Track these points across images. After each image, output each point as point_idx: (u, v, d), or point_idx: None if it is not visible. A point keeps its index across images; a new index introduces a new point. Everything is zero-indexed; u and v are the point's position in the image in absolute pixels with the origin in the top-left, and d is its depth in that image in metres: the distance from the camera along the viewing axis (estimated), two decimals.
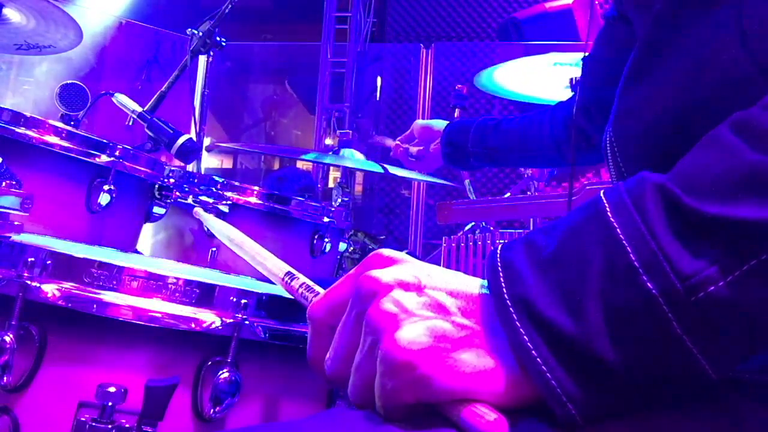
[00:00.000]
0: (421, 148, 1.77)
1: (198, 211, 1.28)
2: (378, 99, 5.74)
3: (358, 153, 2.48)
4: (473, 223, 3.08)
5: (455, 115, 3.16)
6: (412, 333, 0.55)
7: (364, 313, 0.58)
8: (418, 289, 0.58)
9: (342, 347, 0.61)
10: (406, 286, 0.58)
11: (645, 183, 0.54)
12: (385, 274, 0.59)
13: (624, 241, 0.52)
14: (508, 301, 0.55)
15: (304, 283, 0.71)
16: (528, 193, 3.14)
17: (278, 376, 0.97)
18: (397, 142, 1.85)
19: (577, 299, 0.52)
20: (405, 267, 0.60)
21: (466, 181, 3.42)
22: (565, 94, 2.85)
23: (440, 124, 1.73)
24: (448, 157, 1.68)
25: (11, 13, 2.10)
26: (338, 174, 2.80)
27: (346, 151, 2.47)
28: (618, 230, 0.53)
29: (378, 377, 0.56)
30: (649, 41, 0.72)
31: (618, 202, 0.54)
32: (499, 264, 0.57)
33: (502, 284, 0.56)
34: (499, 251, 0.59)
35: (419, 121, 1.81)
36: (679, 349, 0.50)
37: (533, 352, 0.53)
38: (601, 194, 0.56)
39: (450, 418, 0.54)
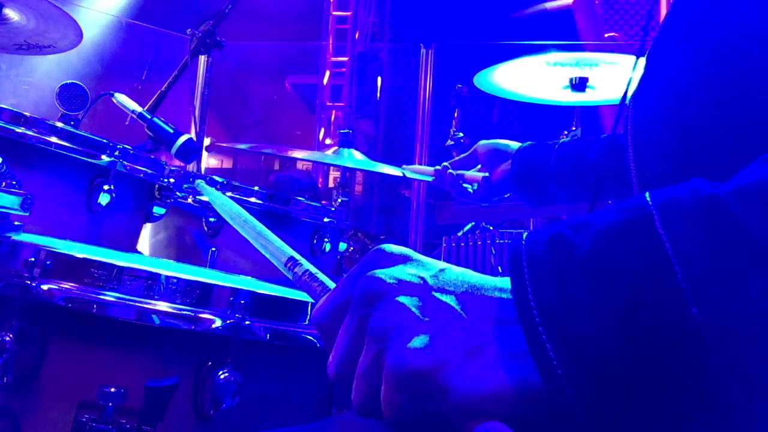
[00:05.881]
0: (486, 174, 1.47)
1: (200, 183, 1.25)
2: (378, 99, 5.74)
3: (358, 153, 2.48)
4: (473, 223, 3.08)
5: (455, 115, 3.16)
6: (420, 343, 0.50)
7: (367, 318, 0.53)
8: (425, 291, 0.53)
9: (345, 351, 0.56)
10: (411, 289, 0.53)
11: (700, 194, 0.48)
12: (388, 275, 0.54)
13: (673, 259, 0.46)
14: (532, 303, 0.49)
15: (307, 270, 0.66)
16: None
17: (278, 376, 0.97)
18: (446, 165, 1.53)
19: (612, 313, 0.47)
20: (410, 266, 0.55)
21: None
22: (565, 94, 2.85)
23: (509, 144, 1.45)
24: (518, 179, 1.38)
25: (11, 13, 2.10)
26: (338, 174, 2.80)
27: (346, 151, 2.47)
28: (667, 245, 0.47)
29: (384, 389, 0.51)
30: (688, 14, 0.67)
31: (668, 212, 0.48)
32: (524, 259, 0.51)
33: (527, 284, 0.50)
34: (524, 244, 0.52)
35: (483, 142, 1.51)
36: (709, 379, 0.46)
37: (555, 363, 0.48)
38: (647, 197, 0.50)
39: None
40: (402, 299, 0.52)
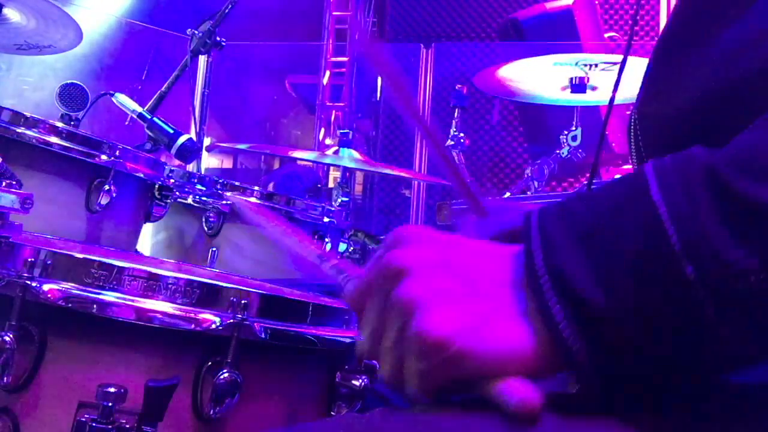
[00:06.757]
0: None
1: (230, 196, 1.29)
2: (378, 99, 5.73)
3: (358, 153, 2.48)
4: None
5: (455, 115, 3.16)
6: (440, 312, 0.54)
7: (391, 294, 0.57)
8: (443, 264, 0.57)
9: (371, 329, 0.59)
10: (431, 263, 0.57)
11: (694, 161, 0.51)
12: (408, 253, 0.57)
13: (666, 223, 0.50)
14: (540, 271, 0.53)
15: (335, 264, 0.71)
16: (528, 193, 3.14)
17: (278, 376, 0.97)
18: None
19: (612, 276, 0.51)
20: (429, 242, 0.59)
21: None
22: (565, 94, 2.85)
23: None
24: None
25: (11, 13, 2.10)
26: (338, 174, 2.80)
27: (345, 151, 2.48)
28: (661, 210, 0.50)
29: (408, 359, 0.55)
30: (692, 14, 0.69)
31: (664, 180, 0.51)
32: (533, 229, 0.55)
33: (535, 252, 0.54)
34: (535, 216, 0.56)
35: None
36: (711, 335, 0.49)
37: (561, 325, 0.52)
38: (647, 168, 0.53)
39: (483, 395, 0.54)
40: (422, 273, 0.56)
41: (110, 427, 0.81)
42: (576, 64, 2.72)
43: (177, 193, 1.74)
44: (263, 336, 0.91)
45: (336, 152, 2.57)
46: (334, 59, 5.83)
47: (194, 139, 2.02)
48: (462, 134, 3.05)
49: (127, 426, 0.82)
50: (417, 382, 0.55)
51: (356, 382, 0.97)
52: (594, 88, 2.79)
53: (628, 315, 0.50)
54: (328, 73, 5.82)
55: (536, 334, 0.54)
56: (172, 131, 1.76)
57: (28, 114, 1.41)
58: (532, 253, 0.54)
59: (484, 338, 0.54)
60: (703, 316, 0.49)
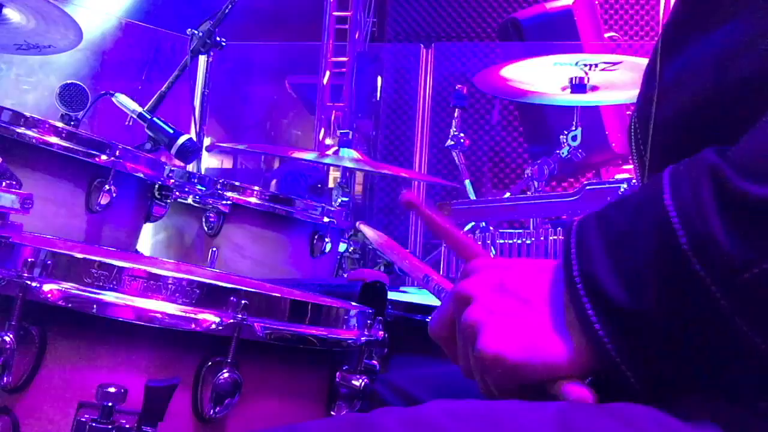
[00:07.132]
0: None
1: (360, 225, 1.40)
2: (378, 99, 5.73)
3: (357, 153, 2.48)
4: (473, 223, 3.08)
5: (455, 115, 3.15)
6: (495, 332, 0.62)
7: (461, 319, 0.66)
8: (500, 288, 0.65)
9: (459, 350, 0.69)
10: (489, 288, 0.65)
11: (703, 164, 0.55)
12: (472, 281, 0.67)
13: (676, 225, 0.54)
14: (576, 279, 0.59)
15: (436, 284, 0.82)
16: (528, 193, 3.14)
17: (278, 376, 0.97)
18: None
19: (636, 278, 0.56)
20: (489, 269, 0.68)
21: (466, 181, 3.41)
22: (565, 93, 2.85)
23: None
24: None
25: (11, 13, 2.10)
26: (338, 174, 2.80)
27: (345, 151, 2.48)
28: (671, 213, 0.55)
29: (481, 374, 0.64)
30: (690, 14, 0.71)
31: (676, 185, 0.56)
32: (572, 241, 0.62)
33: (573, 262, 0.60)
34: (575, 225, 0.63)
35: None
36: (726, 323, 0.53)
37: (596, 325, 0.57)
38: (665, 173, 0.58)
39: (550, 393, 0.62)
40: (482, 299, 0.65)
41: (110, 427, 0.81)
42: (576, 64, 2.72)
43: (177, 193, 1.74)
44: (263, 336, 0.91)
45: (336, 152, 2.58)
46: (334, 59, 5.82)
47: (194, 139, 2.02)
48: (462, 134, 3.05)
49: (127, 426, 0.82)
50: (495, 391, 0.64)
51: (356, 382, 0.97)
52: (594, 88, 2.80)
53: (653, 314, 0.55)
54: (328, 73, 5.81)
55: (577, 341, 0.60)
56: (172, 131, 1.76)
57: (28, 114, 1.41)
58: (570, 263, 0.60)
59: (532, 351, 0.61)
60: (719, 309, 0.52)
